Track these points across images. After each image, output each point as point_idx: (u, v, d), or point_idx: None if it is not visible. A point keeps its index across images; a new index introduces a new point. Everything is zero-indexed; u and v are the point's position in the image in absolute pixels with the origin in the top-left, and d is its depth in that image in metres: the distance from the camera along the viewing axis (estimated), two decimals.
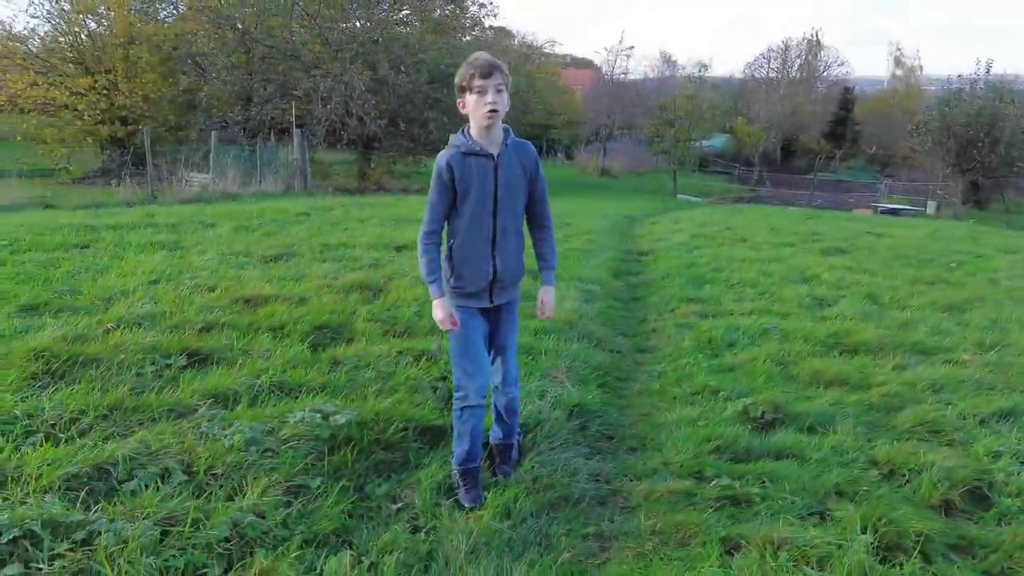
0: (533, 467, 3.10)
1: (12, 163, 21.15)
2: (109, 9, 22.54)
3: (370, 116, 20.48)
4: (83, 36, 22.80)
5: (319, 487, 2.75)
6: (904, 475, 3.23)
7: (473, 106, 2.62)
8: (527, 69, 40.74)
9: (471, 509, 2.77)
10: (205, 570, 2.26)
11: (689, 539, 2.70)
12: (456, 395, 2.85)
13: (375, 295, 5.31)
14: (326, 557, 2.39)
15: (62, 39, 22.61)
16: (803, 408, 3.85)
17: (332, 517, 2.60)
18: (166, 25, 25.52)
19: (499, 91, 2.60)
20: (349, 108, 20.47)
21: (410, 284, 5.50)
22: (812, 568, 2.45)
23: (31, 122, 21.48)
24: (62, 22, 22.79)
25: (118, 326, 4.14)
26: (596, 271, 6.95)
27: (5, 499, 2.45)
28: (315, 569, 2.33)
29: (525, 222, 2.92)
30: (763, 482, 3.07)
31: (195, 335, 4.08)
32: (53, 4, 22.50)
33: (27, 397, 3.21)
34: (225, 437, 2.91)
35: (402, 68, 21.96)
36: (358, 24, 23.58)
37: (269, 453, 2.88)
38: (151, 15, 25.40)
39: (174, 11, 27.66)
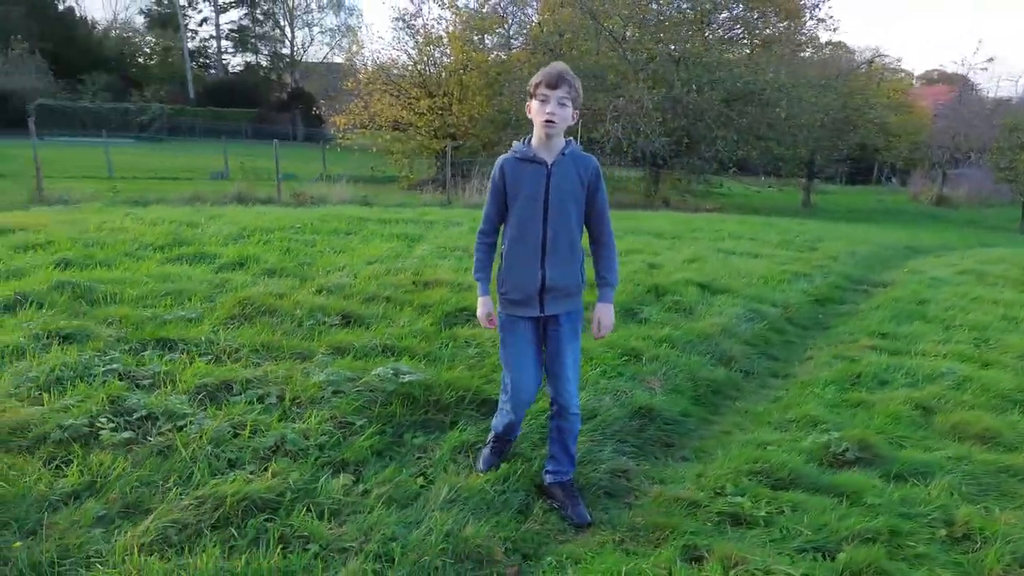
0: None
1: (367, 170, 25.76)
2: (449, 42, 26.19)
3: (655, 133, 20.83)
4: (430, 66, 26.76)
5: (362, 426, 3.31)
6: (977, 542, 2.79)
7: (535, 113, 2.68)
8: (859, 86, 37.38)
9: (478, 472, 3.02)
10: (244, 464, 2.96)
11: (661, 541, 2.73)
12: (502, 397, 3.01)
13: None
14: (331, 476, 2.94)
15: (410, 67, 26.78)
16: (903, 455, 3.43)
17: (358, 450, 3.14)
18: (493, 55, 28.75)
19: (562, 104, 2.63)
20: (637, 126, 21.05)
21: None
22: None
23: (385, 137, 25.89)
24: (415, 53, 27.04)
25: (319, 290, 5.20)
26: (790, 295, 6.53)
27: (150, 390, 3.46)
28: (317, 481, 2.90)
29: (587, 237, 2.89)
30: (782, 510, 2.90)
31: (358, 303, 4.95)
32: (411, 39, 26.84)
33: (218, 330, 4.31)
34: (316, 377, 3.64)
35: (694, 87, 21.87)
36: (670, 46, 24.06)
37: (340, 394, 3.53)
38: (480, 46, 28.74)
39: (501, 42, 30.92)
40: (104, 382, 3.46)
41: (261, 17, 61.26)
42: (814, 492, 3.07)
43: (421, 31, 26.55)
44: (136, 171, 22.23)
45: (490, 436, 3.18)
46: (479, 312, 2.91)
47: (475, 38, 27.75)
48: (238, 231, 7.58)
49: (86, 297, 4.79)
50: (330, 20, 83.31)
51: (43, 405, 3.21)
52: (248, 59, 62.16)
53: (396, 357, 4.05)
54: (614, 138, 21.07)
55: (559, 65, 2.68)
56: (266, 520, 2.61)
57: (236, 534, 2.53)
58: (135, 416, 3.18)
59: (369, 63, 27.17)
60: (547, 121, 2.63)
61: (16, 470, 2.73)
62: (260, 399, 3.47)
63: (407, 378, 3.62)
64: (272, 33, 61.85)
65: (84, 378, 3.50)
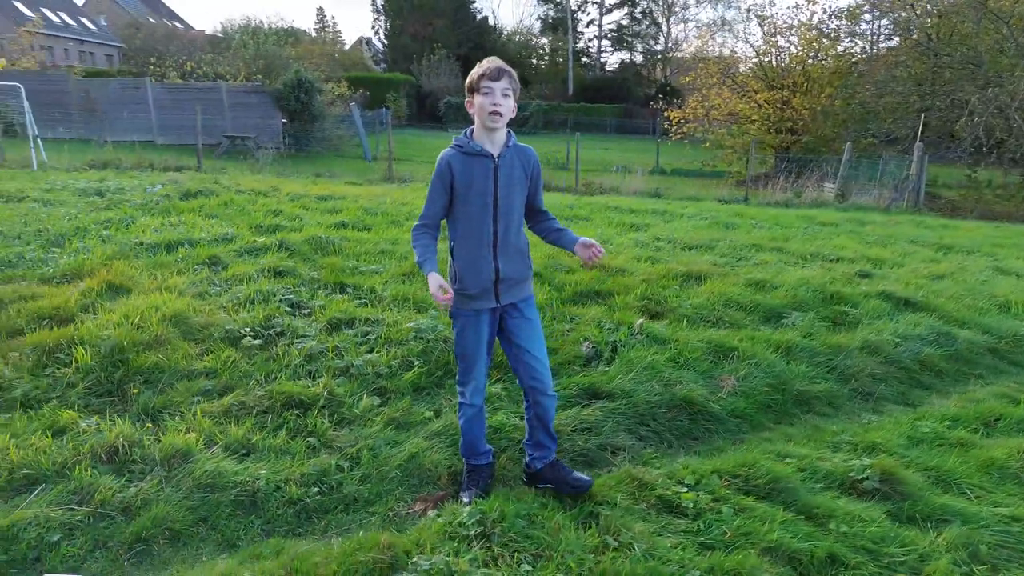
0: (573, 420, 3.59)
1: (697, 163, 25.84)
2: (799, 31, 24.70)
3: None
4: (774, 56, 25.59)
5: (417, 366, 4.00)
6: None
7: (479, 107, 2.68)
8: None
9: (464, 501, 2.90)
10: (315, 376, 3.88)
11: (577, 505, 2.94)
12: (459, 390, 3.00)
13: (698, 282, 5.78)
14: (366, 396, 3.70)
15: (753, 59, 25.90)
16: (933, 498, 2.99)
17: (399, 383, 3.84)
18: (846, 42, 26.27)
19: (505, 95, 2.67)
20: (1010, 120, 17.55)
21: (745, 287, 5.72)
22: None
23: (719, 132, 25.56)
24: (761, 43, 26.11)
25: None
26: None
27: (298, 316, 4.59)
28: (351, 396, 3.68)
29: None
30: (721, 511, 2.87)
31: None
32: (760, 28, 25.99)
33: (387, 283, 5.36)
34: (409, 324, 4.43)
35: None
36: None
37: (419, 339, 4.26)
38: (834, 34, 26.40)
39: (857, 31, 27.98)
40: (277, 306, 4.70)
41: (639, 15, 63.91)
42: (783, 505, 2.92)
43: (770, 21, 25.48)
44: None
45: (464, 473, 3.10)
46: (432, 286, 2.62)
47: (832, 24, 25.67)
48: None
49: (322, 249, 6.25)
50: (707, 14, 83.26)
51: (229, 315, 4.53)
52: (623, 57, 65.43)
53: None
54: (975, 136, 17.94)
55: (496, 59, 2.71)
56: (296, 416, 3.47)
57: (269, 420, 3.44)
58: (272, 331, 4.32)
59: (712, 55, 27.00)
60: (493, 113, 2.64)
61: (179, 351, 4.02)
62: (364, 335, 4.37)
63: None
64: (647, 30, 64.19)
65: (265, 301, 4.78)
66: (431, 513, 2.88)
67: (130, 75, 29.28)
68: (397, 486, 3.08)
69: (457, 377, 3.00)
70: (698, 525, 2.78)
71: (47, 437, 3.12)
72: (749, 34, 26.54)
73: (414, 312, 4.73)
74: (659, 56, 64.14)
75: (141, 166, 13.44)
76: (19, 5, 50.24)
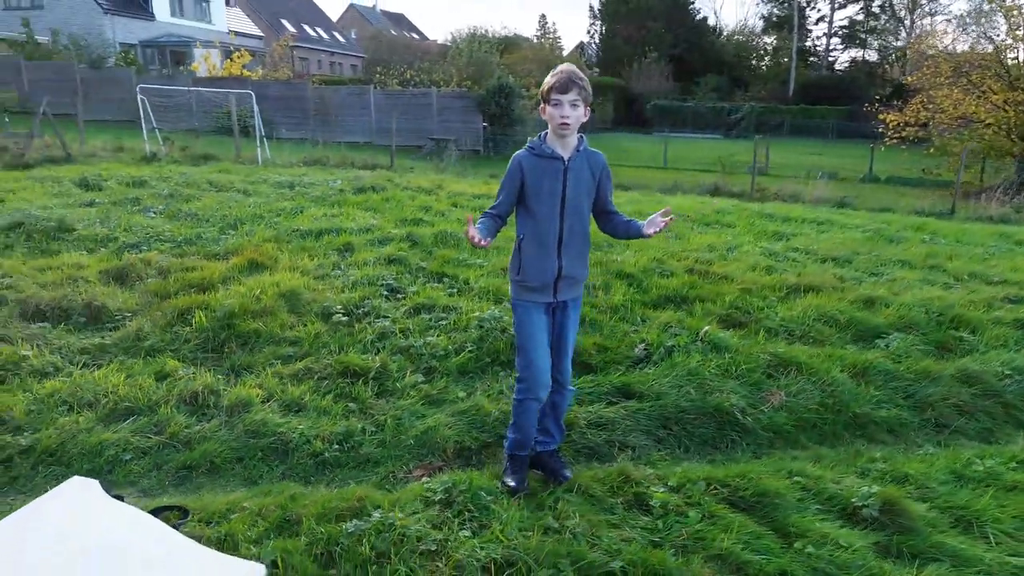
0: (591, 415, 3.72)
1: (918, 172, 23.38)
2: None
3: None
4: (1020, 53, 22.33)
5: (469, 351, 4.33)
6: None
7: (550, 116, 2.82)
8: None
9: (513, 491, 2.97)
10: (377, 351, 4.35)
11: (555, 491, 3.10)
12: (519, 385, 3.02)
13: (802, 295, 5.49)
14: (411, 374, 4.10)
15: (991, 56, 22.73)
16: (937, 537, 2.75)
17: (447, 364, 4.20)
18: None
19: (574, 105, 2.78)
20: None
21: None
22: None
23: (947, 138, 22.76)
24: (1002, 38, 22.85)
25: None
26: None
27: (387, 300, 5.12)
28: (399, 371, 4.10)
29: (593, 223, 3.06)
30: (687, 514, 2.89)
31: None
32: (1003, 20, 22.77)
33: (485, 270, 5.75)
34: (477, 314, 4.76)
35: None
36: None
37: (480, 327, 4.58)
38: None
39: None
40: (376, 289, 5.28)
41: (876, 10, 58.64)
42: (758, 519, 2.87)
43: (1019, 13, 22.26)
44: (685, 162, 24.83)
45: (505, 459, 3.17)
46: (470, 230, 2.72)
47: None
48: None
49: (443, 242, 6.80)
50: (960, 5, 74.04)
51: (334, 294, 5.17)
52: (854, 54, 60.45)
53: None
54: None
55: (567, 69, 2.80)
56: (347, 383, 3.96)
57: (324, 385, 3.96)
58: (361, 311, 4.88)
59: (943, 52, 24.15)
60: (562, 124, 2.78)
61: (279, 321, 4.69)
62: (438, 320, 4.78)
63: None
64: (886, 26, 58.70)
65: (370, 285, 5.38)
66: (424, 479, 3.20)
67: (358, 83, 32.52)
68: (406, 453, 3.43)
69: (519, 374, 3.03)
70: (658, 524, 2.83)
71: (151, 379, 3.88)
72: (990, 27, 22.90)
73: (491, 303, 5.05)
74: (895, 54, 58.30)
75: (344, 164, 15.10)
76: (284, 22, 57.55)
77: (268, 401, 3.74)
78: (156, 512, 2.66)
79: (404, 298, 5.19)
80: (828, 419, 3.84)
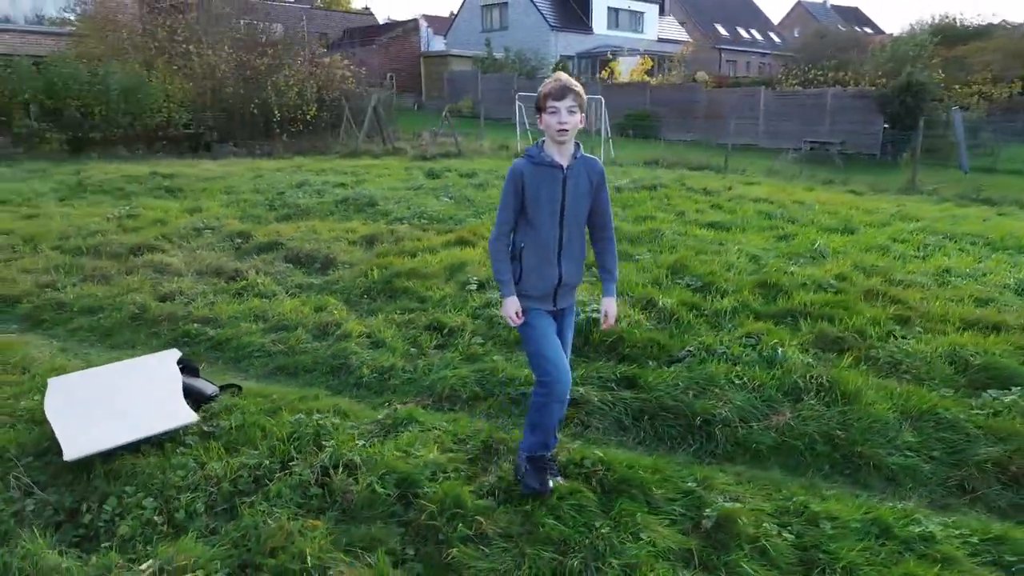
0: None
1: None
2: None
3: None
4: None
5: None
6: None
7: (547, 124, 2.84)
8: None
9: (539, 493, 2.99)
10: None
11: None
12: (539, 389, 2.95)
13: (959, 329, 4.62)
14: (479, 335, 4.86)
15: None
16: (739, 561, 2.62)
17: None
18: None
19: (571, 112, 2.80)
20: None
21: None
22: None
23: None
24: None
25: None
26: None
27: None
28: (483, 337, 4.89)
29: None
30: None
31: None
32: None
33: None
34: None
35: None
36: None
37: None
38: None
39: None
40: None
41: None
42: (596, 493, 3.06)
43: None
44: None
45: (523, 465, 3.08)
46: (509, 309, 2.90)
47: None
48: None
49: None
50: None
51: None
52: None
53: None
54: None
55: (562, 77, 2.84)
56: (430, 334, 4.92)
57: (410, 332, 4.98)
58: (491, 283, 5.75)
59: None
60: (560, 130, 2.80)
61: (429, 283, 5.83)
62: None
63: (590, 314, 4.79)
64: None
65: None
66: (396, 408, 4.02)
67: (750, 85, 31.87)
68: (414, 390, 4.25)
69: (538, 377, 2.96)
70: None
71: (311, 309, 5.37)
72: None
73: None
74: None
75: (678, 163, 15.59)
76: (718, 26, 58.52)
77: (364, 336, 4.90)
78: (224, 387, 4.06)
79: None
80: (820, 450, 3.51)
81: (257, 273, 6.20)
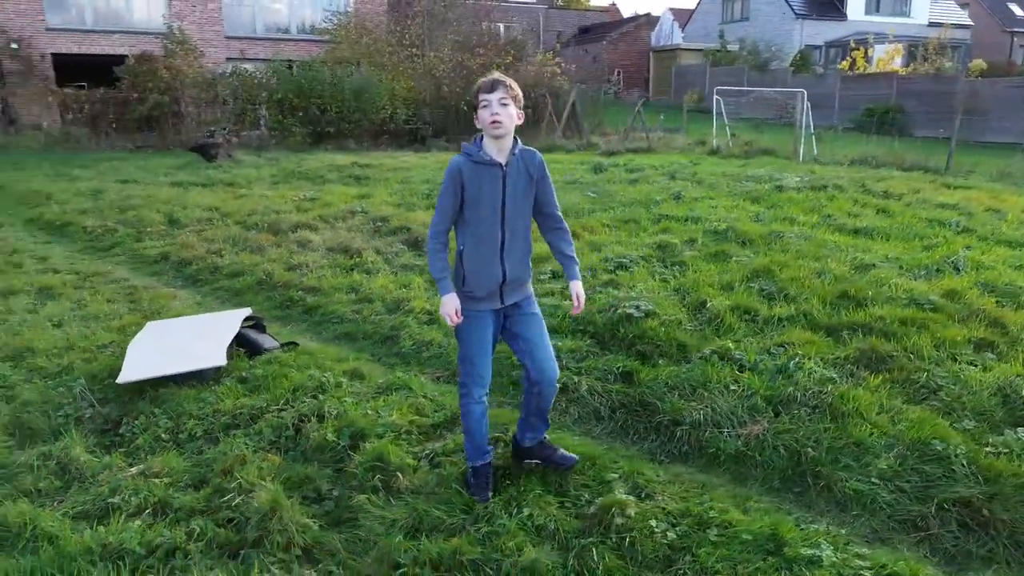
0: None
1: None
2: None
3: None
4: None
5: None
6: None
7: (482, 120, 2.81)
8: None
9: (480, 503, 3.01)
10: None
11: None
12: (461, 391, 3.07)
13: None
14: None
15: None
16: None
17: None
18: None
19: (503, 104, 2.77)
20: None
21: None
22: None
23: None
24: None
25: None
26: None
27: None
28: None
29: (536, 227, 3.05)
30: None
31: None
32: None
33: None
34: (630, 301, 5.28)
35: None
36: None
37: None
38: None
39: None
40: (605, 265, 6.18)
41: None
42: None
43: None
44: None
45: (469, 476, 3.13)
46: (447, 308, 2.87)
47: None
48: None
49: (772, 241, 6.85)
50: None
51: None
52: None
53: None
54: None
55: (495, 74, 2.88)
56: None
57: None
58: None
59: None
60: (493, 122, 2.76)
61: None
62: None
63: (640, 310, 4.82)
64: None
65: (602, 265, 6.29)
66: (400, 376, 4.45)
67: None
68: (445, 365, 4.64)
69: (460, 379, 3.07)
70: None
71: (395, 287, 5.98)
72: None
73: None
74: None
75: (890, 163, 13.99)
76: (1013, 7, 50.66)
77: (424, 312, 5.40)
78: (285, 344, 4.81)
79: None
80: (780, 464, 3.32)
81: (376, 253, 6.98)
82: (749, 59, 34.14)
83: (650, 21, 41.93)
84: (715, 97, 17.21)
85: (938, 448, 3.21)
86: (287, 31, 26.58)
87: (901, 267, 5.93)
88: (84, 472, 3.32)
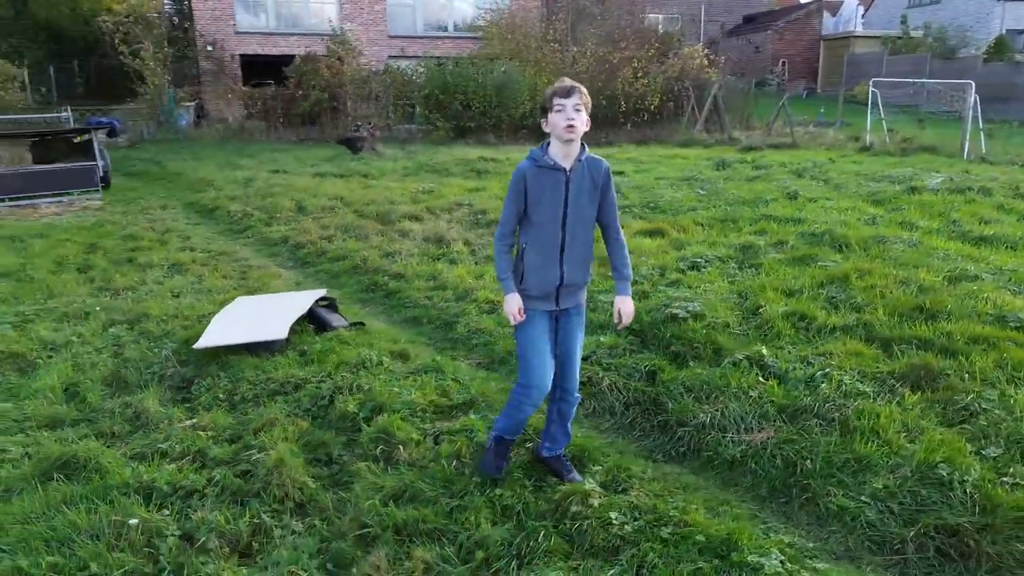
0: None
1: None
2: None
3: None
4: None
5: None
6: None
7: (554, 124, 2.82)
8: None
9: (491, 477, 3.16)
10: None
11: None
12: (518, 389, 3.08)
13: None
14: None
15: None
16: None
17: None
18: None
19: (577, 110, 2.79)
20: None
21: None
22: None
23: None
24: None
25: None
26: None
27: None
28: None
29: (599, 233, 3.10)
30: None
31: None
32: None
33: None
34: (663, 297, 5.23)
35: None
36: None
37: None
38: None
39: None
40: (673, 263, 6.12)
41: None
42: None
43: None
44: None
45: (490, 442, 3.26)
46: (511, 307, 2.95)
47: None
48: None
49: (842, 243, 6.47)
50: None
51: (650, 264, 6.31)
52: None
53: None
54: None
55: (566, 79, 2.91)
56: None
57: None
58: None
59: None
60: (568, 127, 2.78)
61: None
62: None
63: (690, 310, 4.80)
64: None
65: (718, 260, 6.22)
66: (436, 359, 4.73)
67: None
68: (487, 353, 4.88)
69: (521, 377, 3.07)
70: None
71: (471, 276, 6.28)
72: None
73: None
74: None
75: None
76: None
77: (486, 302, 5.65)
78: (353, 323, 5.28)
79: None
80: (773, 473, 3.26)
81: (465, 244, 7.34)
82: (934, 46, 31.19)
83: (821, 7, 39.23)
84: (871, 89, 15.92)
85: (943, 473, 3.00)
86: (445, 28, 27.79)
87: (1010, 280, 5.38)
88: (150, 421, 3.90)
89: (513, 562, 2.72)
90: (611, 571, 2.65)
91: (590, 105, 2.86)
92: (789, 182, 10.02)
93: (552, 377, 3.05)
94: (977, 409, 3.53)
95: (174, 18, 25.14)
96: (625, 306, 3.05)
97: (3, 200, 10.49)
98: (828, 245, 6.48)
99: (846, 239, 6.56)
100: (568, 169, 2.87)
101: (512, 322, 2.99)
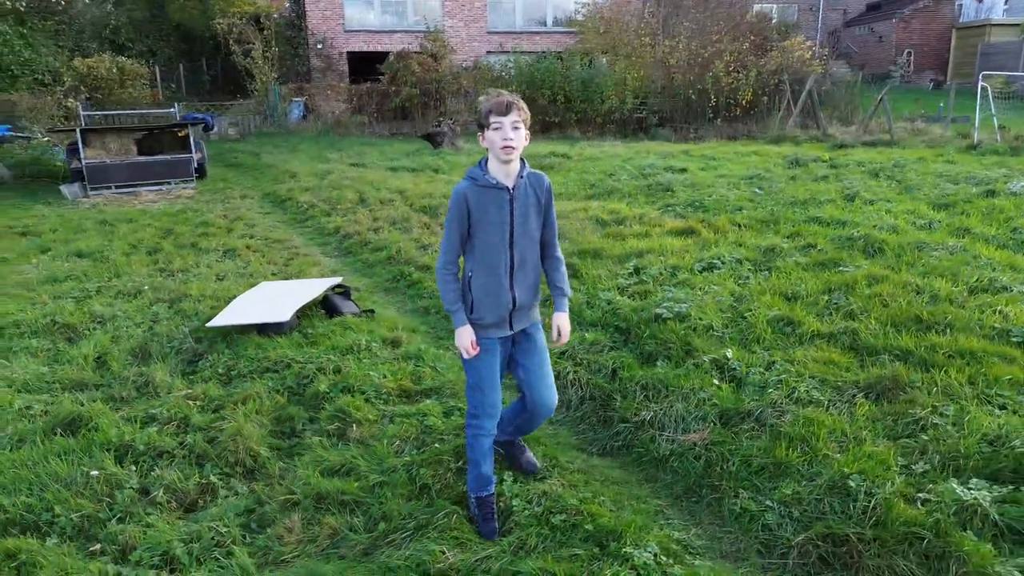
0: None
1: None
2: None
3: None
4: None
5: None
6: None
7: (490, 142, 2.69)
8: None
9: (487, 538, 2.91)
10: None
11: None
12: (471, 422, 2.98)
13: None
14: None
15: None
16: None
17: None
18: None
19: (515, 128, 2.67)
20: None
21: None
22: None
23: None
24: None
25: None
26: None
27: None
28: None
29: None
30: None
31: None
32: None
33: None
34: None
35: None
36: None
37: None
38: None
39: None
40: (689, 263, 6.09)
41: None
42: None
43: None
44: None
45: (473, 508, 3.04)
46: (463, 341, 2.84)
47: None
48: None
49: (868, 247, 6.19)
50: None
51: (664, 262, 6.30)
52: None
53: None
54: None
55: (504, 93, 2.74)
56: None
57: None
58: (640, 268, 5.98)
59: None
60: (506, 147, 2.66)
61: (608, 253, 6.36)
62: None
63: (682, 309, 4.82)
64: None
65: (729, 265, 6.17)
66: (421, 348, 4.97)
67: None
68: None
69: (469, 409, 3.00)
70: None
71: None
72: None
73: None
74: None
75: None
76: None
77: None
78: (364, 311, 5.64)
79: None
80: (691, 470, 3.32)
81: None
82: None
83: None
84: (980, 83, 14.70)
85: (852, 484, 2.94)
86: (543, 23, 28.00)
87: None
88: (155, 389, 4.38)
89: (408, 535, 2.93)
90: (492, 548, 2.81)
91: (529, 120, 2.74)
92: (857, 183, 9.54)
93: (500, 407, 2.99)
94: (928, 424, 3.40)
95: (295, 19, 26.70)
96: (563, 323, 2.97)
97: (110, 188, 11.67)
98: (860, 250, 6.22)
99: (882, 244, 6.27)
100: (511, 187, 2.74)
101: (465, 356, 2.85)
